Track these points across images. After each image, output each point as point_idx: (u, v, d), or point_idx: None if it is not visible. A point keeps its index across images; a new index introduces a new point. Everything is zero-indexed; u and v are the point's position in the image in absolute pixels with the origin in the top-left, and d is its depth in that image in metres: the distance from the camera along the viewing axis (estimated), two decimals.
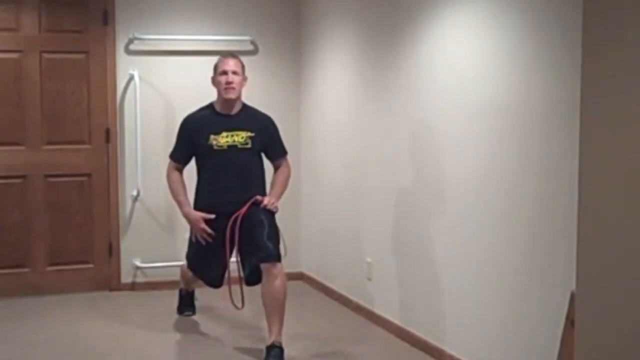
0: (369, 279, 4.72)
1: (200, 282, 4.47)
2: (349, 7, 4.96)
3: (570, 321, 2.77)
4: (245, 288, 4.10)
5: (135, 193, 5.42)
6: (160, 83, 5.46)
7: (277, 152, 4.27)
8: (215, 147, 4.07)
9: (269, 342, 3.90)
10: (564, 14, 3.00)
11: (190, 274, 4.48)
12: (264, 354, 3.88)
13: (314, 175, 5.59)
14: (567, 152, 2.95)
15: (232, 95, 4.09)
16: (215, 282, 4.26)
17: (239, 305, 4.09)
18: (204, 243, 4.11)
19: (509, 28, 3.35)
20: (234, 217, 3.99)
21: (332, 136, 5.25)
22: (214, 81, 4.16)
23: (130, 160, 5.40)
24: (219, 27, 5.54)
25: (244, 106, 4.21)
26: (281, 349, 3.87)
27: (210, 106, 4.21)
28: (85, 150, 5.36)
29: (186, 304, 4.80)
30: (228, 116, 4.14)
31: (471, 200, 3.66)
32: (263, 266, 3.95)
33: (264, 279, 3.97)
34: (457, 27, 3.74)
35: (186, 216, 4.17)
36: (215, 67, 4.16)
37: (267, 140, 4.20)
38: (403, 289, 4.35)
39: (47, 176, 5.31)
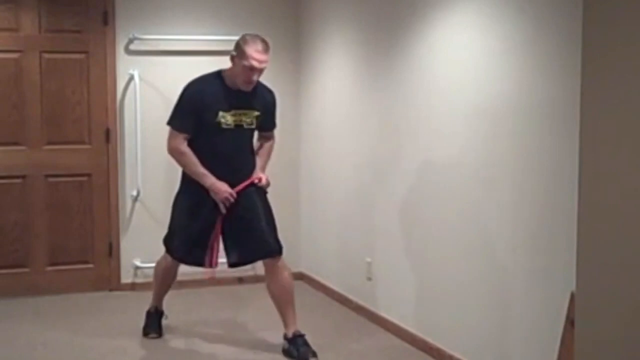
0: (369, 279, 4.72)
1: (169, 287, 4.38)
2: (348, 7, 4.96)
3: (570, 321, 2.77)
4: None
5: (135, 193, 5.42)
6: (160, 83, 5.45)
7: (271, 126, 4.18)
8: (222, 125, 3.91)
9: (290, 334, 3.95)
10: (564, 13, 3.00)
11: (168, 259, 4.19)
12: (285, 346, 3.95)
13: (314, 175, 5.59)
14: (567, 152, 2.95)
15: (250, 89, 3.92)
16: (203, 260, 4.03)
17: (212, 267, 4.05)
18: (223, 211, 3.92)
19: (510, 28, 3.35)
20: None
21: (331, 136, 5.25)
22: (234, 61, 3.87)
23: (130, 160, 5.40)
24: (219, 27, 5.53)
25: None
26: (304, 337, 3.93)
27: (220, 78, 3.96)
28: (85, 150, 5.36)
29: (152, 324, 4.40)
30: (239, 92, 3.93)
31: (471, 199, 3.66)
32: (266, 262, 3.95)
33: (268, 275, 3.97)
34: (457, 26, 3.74)
35: (212, 187, 3.89)
36: (242, 52, 3.82)
37: (268, 116, 4.11)
38: (403, 289, 4.35)
39: (47, 176, 5.31)
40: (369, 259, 4.73)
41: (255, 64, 3.81)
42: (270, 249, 3.93)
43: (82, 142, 5.35)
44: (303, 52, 5.70)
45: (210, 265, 4.06)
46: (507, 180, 3.39)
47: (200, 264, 4.08)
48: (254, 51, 3.82)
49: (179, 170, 5.27)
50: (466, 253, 3.71)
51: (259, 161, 4.11)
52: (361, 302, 4.82)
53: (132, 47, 5.39)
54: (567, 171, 2.95)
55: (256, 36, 3.93)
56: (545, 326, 3.14)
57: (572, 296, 2.73)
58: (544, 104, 3.14)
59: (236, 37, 5.47)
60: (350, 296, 4.97)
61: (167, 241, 4.19)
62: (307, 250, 5.71)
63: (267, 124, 4.13)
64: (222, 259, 4.16)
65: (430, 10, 3.95)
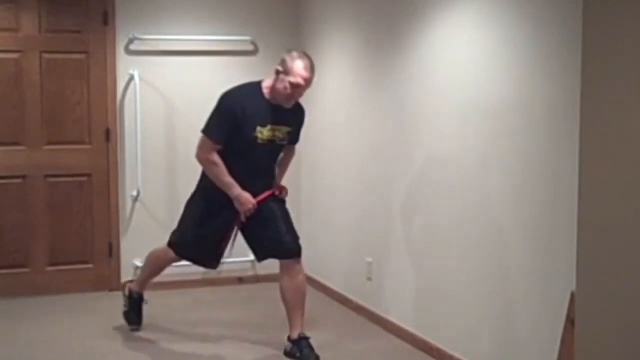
0: (369, 279, 4.72)
1: (156, 276, 4.46)
2: (348, 7, 4.96)
3: (570, 321, 2.77)
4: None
5: (135, 193, 5.41)
6: (160, 83, 5.45)
7: (296, 140, 4.19)
8: (259, 140, 3.89)
9: (295, 335, 3.96)
10: (564, 13, 3.00)
11: (170, 254, 4.21)
12: (288, 347, 3.96)
13: (314, 175, 5.59)
14: (567, 151, 2.95)
15: (290, 106, 3.92)
16: (211, 261, 4.16)
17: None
18: (243, 220, 3.95)
19: (510, 28, 3.35)
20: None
21: (332, 136, 5.25)
22: (278, 77, 3.82)
23: (130, 160, 5.40)
24: (219, 27, 5.53)
25: None
26: (309, 339, 3.95)
27: (259, 89, 3.91)
28: (85, 150, 5.36)
29: (134, 308, 4.47)
30: (277, 107, 3.90)
31: (471, 199, 3.66)
32: (283, 262, 3.98)
33: (284, 275, 3.99)
34: (457, 26, 3.74)
35: (238, 198, 3.89)
36: (288, 68, 3.79)
37: (296, 131, 4.12)
38: (403, 289, 4.35)
39: (47, 176, 5.30)
40: (369, 259, 4.73)
41: (301, 81, 3.79)
42: (289, 249, 3.98)
43: (82, 142, 5.35)
44: None
45: (214, 267, 4.22)
46: (507, 180, 3.39)
47: (204, 264, 4.23)
48: (302, 68, 3.79)
49: (179, 170, 5.29)
50: (466, 253, 3.71)
51: (278, 172, 4.15)
52: (361, 302, 4.82)
53: (132, 47, 5.38)
54: (567, 171, 2.95)
55: (303, 53, 3.92)
56: (545, 326, 3.14)
57: (572, 296, 2.73)
58: (544, 104, 3.14)
59: (236, 37, 5.56)
60: (351, 296, 4.97)
61: (175, 238, 4.21)
62: (307, 250, 5.68)
63: (292, 138, 4.13)
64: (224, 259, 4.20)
65: (430, 10, 3.95)
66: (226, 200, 3.94)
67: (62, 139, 5.31)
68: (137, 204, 5.46)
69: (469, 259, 3.69)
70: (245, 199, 3.91)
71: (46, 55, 5.23)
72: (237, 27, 5.58)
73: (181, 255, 4.22)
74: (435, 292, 4.00)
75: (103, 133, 5.36)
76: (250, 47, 5.61)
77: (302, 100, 5.70)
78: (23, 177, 5.26)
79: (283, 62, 3.83)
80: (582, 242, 2.19)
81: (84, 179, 5.37)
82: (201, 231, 4.06)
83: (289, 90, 3.81)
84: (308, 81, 3.82)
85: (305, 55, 3.90)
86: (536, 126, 3.20)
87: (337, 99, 5.16)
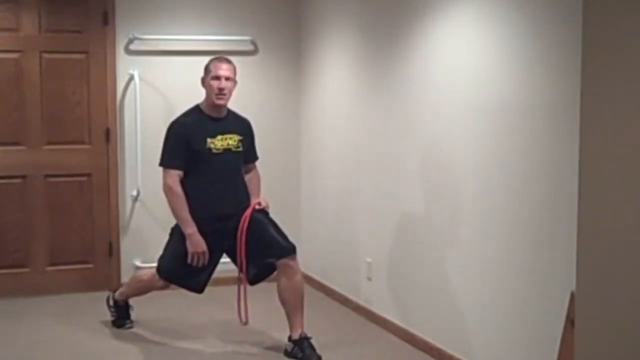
0: (369, 279, 4.72)
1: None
2: (349, 7, 4.96)
3: (570, 321, 2.77)
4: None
5: (135, 193, 5.42)
6: (160, 83, 5.45)
7: (254, 156, 4.32)
8: (214, 151, 4.04)
9: (296, 335, 3.97)
10: (565, 14, 3.00)
11: (158, 283, 4.24)
12: (289, 348, 3.97)
13: (314, 176, 5.59)
14: (567, 151, 2.96)
15: (223, 102, 4.07)
16: (200, 287, 4.18)
17: (244, 320, 4.11)
18: (194, 264, 4.02)
19: (510, 28, 3.35)
20: (242, 221, 3.99)
21: (332, 136, 5.25)
22: (204, 83, 4.09)
23: (130, 160, 5.40)
24: (219, 27, 5.54)
25: (228, 109, 4.19)
26: (310, 340, 3.96)
27: (198, 109, 4.13)
28: (85, 150, 5.36)
29: (125, 316, 4.55)
30: (219, 119, 4.11)
31: (471, 200, 3.66)
32: (280, 263, 3.98)
33: (281, 275, 4.00)
34: (458, 27, 3.74)
35: (191, 237, 3.99)
36: (207, 70, 4.09)
37: (249, 143, 4.24)
38: (403, 289, 4.35)
39: (47, 176, 5.31)
40: (369, 259, 4.73)
41: (220, 72, 4.04)
42: (283, 247, 4.00)
43: (82, 142, 5.36)
44: (303, 52, 5.70)
45: (200, 292, 4.22)
46: (508, 180, 3.39)
47: (189, 289, 4.22)
48: (216, 62, 4.10)
49: None
50: (466, 253, 3.71)
51: (252, 189, 4.22)
52: (361, 302, 4.82)
53: (132, 47, 5.39)
54: (567, 171, 2.95)
55: (217, 57, 4.23)
56: (545, 326, 3.14)
57: (572, 296, 2.73)
58: (544, 104, 3.14)
59: (236, 37, 5.57)
60: (350, 296, 4.97)
61: (162, 265, 4.22)
62: (307, 250, 5.71)
63: (249, 154, 4.24)
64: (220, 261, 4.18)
65: (430, 10, 3.96)
66: (209, 229, 4.02)
67: (62, 139, 5.31)
68: (137, 204, 5.47)
69: (469, 259, 3.69)
70: (197, 242, 3.99)
71: (46, 55, 5.23)
72: (237, 27, 5.58)
73: (167, 280, 4.25)
74: (435, 292, 4.00)
75: (103, 133, 5.37)
76: (250, 47, 5.61)
77: (302, 99, 5.72)
78: (23, 177, 5.27)
79: (204, 70, 4.13)
80: (582, 242, 2.19)
81: (84, 179, 5.38)
82: (185, 259, 4.06)
83: (215, 87, 4.03)
84: (226, 70, 4.05)
85: (220, 56, 4.21)
86: (537, 126, 3.20)
87: (337, 99, 5.16)
